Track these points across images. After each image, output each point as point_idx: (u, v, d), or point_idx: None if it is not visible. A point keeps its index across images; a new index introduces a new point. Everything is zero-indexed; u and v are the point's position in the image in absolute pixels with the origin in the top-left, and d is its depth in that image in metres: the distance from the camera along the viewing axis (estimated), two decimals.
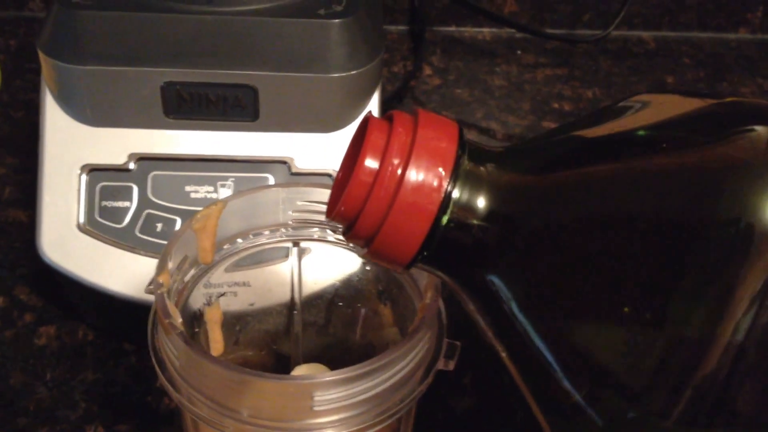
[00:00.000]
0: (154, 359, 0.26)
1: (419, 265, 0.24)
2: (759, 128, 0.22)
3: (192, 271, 0.28)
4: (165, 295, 0.25)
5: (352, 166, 0.24)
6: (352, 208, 0.23)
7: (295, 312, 0.33)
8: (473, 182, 0.23)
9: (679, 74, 0.63)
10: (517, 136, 0.57)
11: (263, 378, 0.24)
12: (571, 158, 0.24)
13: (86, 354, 0.43)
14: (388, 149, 0.23)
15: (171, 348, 0.25)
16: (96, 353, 0.43)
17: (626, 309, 0.21)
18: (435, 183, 0.23)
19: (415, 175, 0.23)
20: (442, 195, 0.23)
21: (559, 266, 0.22)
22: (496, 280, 0.23)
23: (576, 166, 0.23)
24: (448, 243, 0.23)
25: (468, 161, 0.23)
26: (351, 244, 0.29)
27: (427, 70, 0.62)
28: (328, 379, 0.24)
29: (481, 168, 0.23)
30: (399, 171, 0.23)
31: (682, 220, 0.21)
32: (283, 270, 0.34)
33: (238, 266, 0.32)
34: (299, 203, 0.29)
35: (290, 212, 0.30)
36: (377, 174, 0.23)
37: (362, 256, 0.24)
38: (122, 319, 0.39)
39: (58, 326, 0.44)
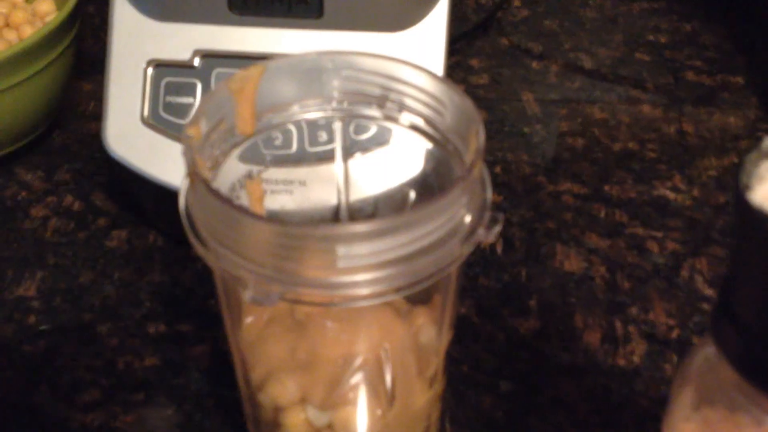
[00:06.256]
0: (184, 218, 0.26)
1: None
2: None
3: (229, 139, 0.28)
4: (193, 146, 0.25)
5: None
6: None
7: (341, 208, 0.32)
8: None
9: None
10: (607, 67, 0.55)
11: (285, 226, 0.23)
12: None
13: (154, 258, 0.43)
14: None
15: (198, 200, 0.25)
16: (164, 258, 0.43)
17: None
18: None
19: None
20: None
21: None
22: None
23: None
24: None
25: None
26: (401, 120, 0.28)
27: (516, 2, 0.60)
28: (351, 230, 0.23)
29: None
30: None
31: None
32: (330, 170, 0.33)
33: (282, 162, 0.32)
34: (345, 73, 0.28)
35: (336, 82, 0.29)
36: None
37: None
38: None
39: (130, 231, 0.45)
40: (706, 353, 0.23)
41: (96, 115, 0.51)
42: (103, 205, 0.46)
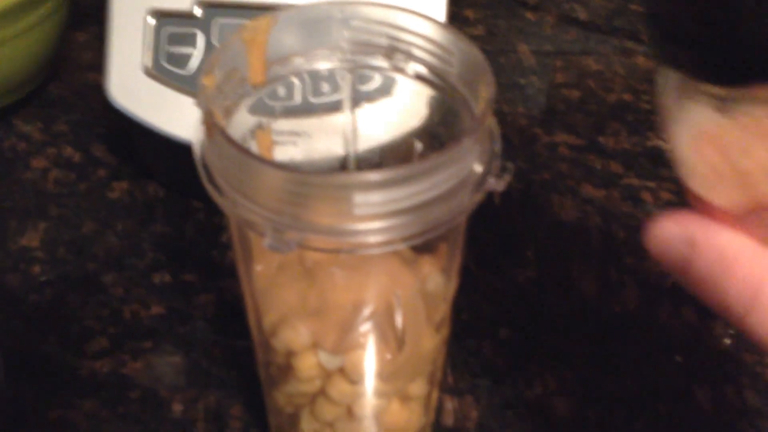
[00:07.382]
0: (200, 166, 0.26)
1: None
2: None
3: (240, 90, 0.28)
4: (209, 96, 0.25)
5: None
6: None
7: (349, 158, 0.33)
8: None
9: None
10: (602, 19, 0.55)
11: (303, 174, 0.24)
12: None
13: (156, 209, 0.44)
14: None
15: (213, 149, 0.25)
16: (166, 209, 0.44)
17: None
18: None
19: None
20: None
21: None
22: None
23: None
24: None
25: None
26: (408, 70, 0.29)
27: None
28: (368, 178, 0.23)
29: None
30: None
31: None
32: (338, 120, 0.33)
33: (291, 113, 0.32)
34: (354, 23, 0.28)
35: (345, 32, 0.29)
36: None
37: None
38: (186, 166, 0.40)
39: (131, 182, 0.45)
40: None
41: (92, 65, 0.51)
42: (103, 156, 0.46)
